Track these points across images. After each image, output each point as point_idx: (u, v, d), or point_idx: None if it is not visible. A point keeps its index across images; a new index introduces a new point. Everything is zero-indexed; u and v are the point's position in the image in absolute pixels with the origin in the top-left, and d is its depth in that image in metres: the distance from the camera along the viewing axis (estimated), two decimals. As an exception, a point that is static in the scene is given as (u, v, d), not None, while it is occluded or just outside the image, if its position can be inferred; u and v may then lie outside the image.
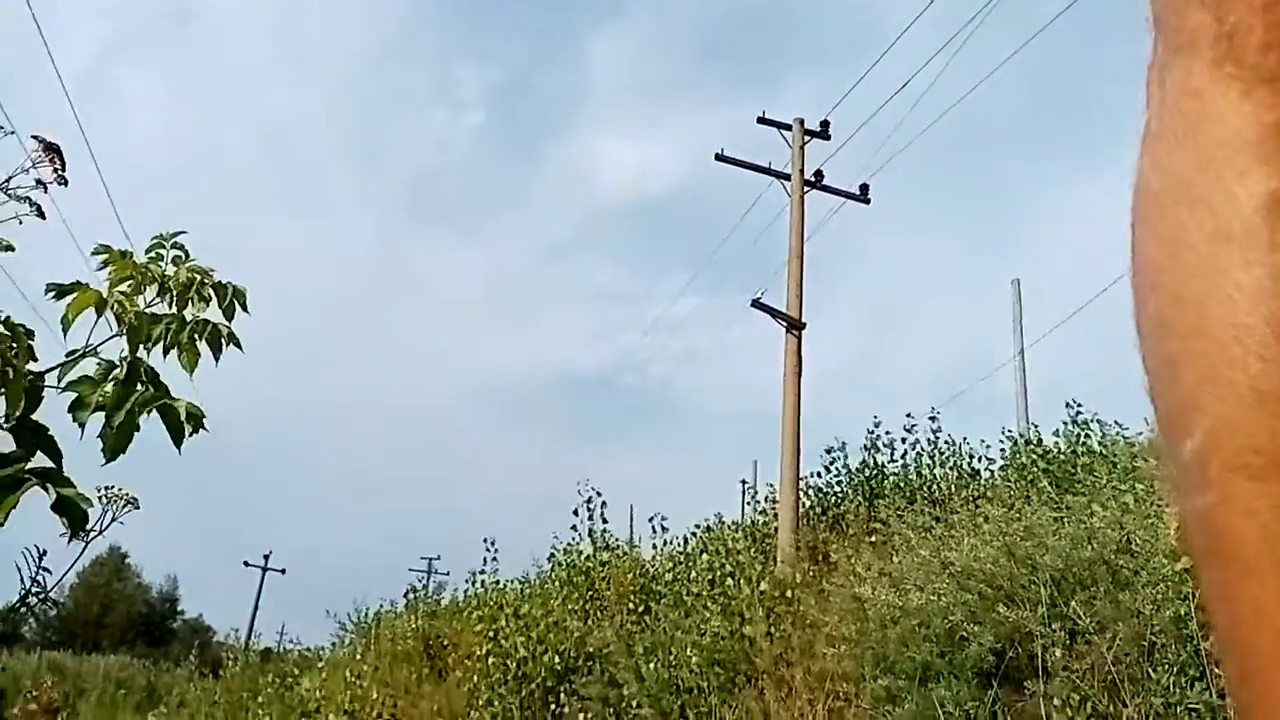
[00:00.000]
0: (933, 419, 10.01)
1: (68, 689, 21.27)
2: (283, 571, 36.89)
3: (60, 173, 1.55)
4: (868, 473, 10.15)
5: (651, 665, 7.54)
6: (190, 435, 1.53)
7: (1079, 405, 9.39)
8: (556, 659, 8.46)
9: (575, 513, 11.06)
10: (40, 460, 1.50)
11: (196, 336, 1.62)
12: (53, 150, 1.56)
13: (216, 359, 1.65)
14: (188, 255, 1.68)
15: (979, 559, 5.55)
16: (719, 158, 12.21)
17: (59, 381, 1.51)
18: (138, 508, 1.46)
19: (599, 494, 11.03)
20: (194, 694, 15.03)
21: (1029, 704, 4.83)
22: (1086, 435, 9.01)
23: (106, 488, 1.44)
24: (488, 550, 11.64)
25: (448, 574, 27.96)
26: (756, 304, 10.86)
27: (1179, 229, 0.43)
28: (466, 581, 11.90)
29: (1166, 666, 4.45)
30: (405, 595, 13.69)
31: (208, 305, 1.67)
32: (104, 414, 1.48)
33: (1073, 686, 4.57)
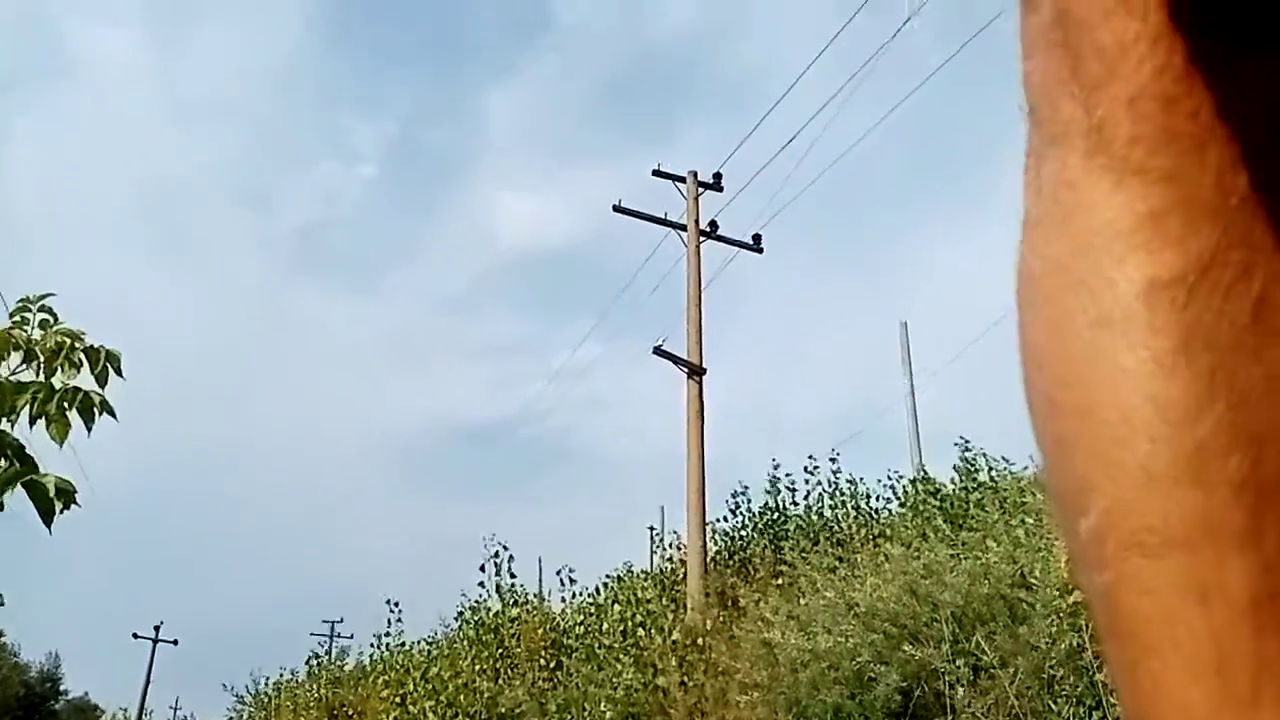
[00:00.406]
0: (833, 460, 10.18)
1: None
2: (175, 643, 35.26)
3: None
4: (771, 516, 10.24)
5: (564, 723, 7.41)
6: (61, 512, 1.44)
7: (967, 442, 9.68)
8: (466, 723, 8.22)
9: (482, 568, 10.85)
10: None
11: (66, 406, 1.53)
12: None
13: (89, 429, 1.57)
14: (56, 319, 1.60)
15: (882, 599, 5.64)
16: (617, 209, 12.42)
17: (-89, 460, 1.41)
18: (2, 604, 1.36)
19: (505, 548, 10.85)
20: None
21: (937, 742, 4.89)
22: (975, 471, 9.28)
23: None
24: (391, 611, 11.31)
25: (351, 637, 26.98)
26: (658, 351, 10.99)
27: (1062, 314, 0.45)
28: (371, 645, 11.53)
29: (1065, 697, 4.57)
30: (307, 662, 13.17)
31: (79, 371, 1.59)
32: (-39, 492, 1.39)
33: (978, 722, 4.65)
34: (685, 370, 10.89)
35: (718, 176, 12.34)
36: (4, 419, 1.50)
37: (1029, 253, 0.48)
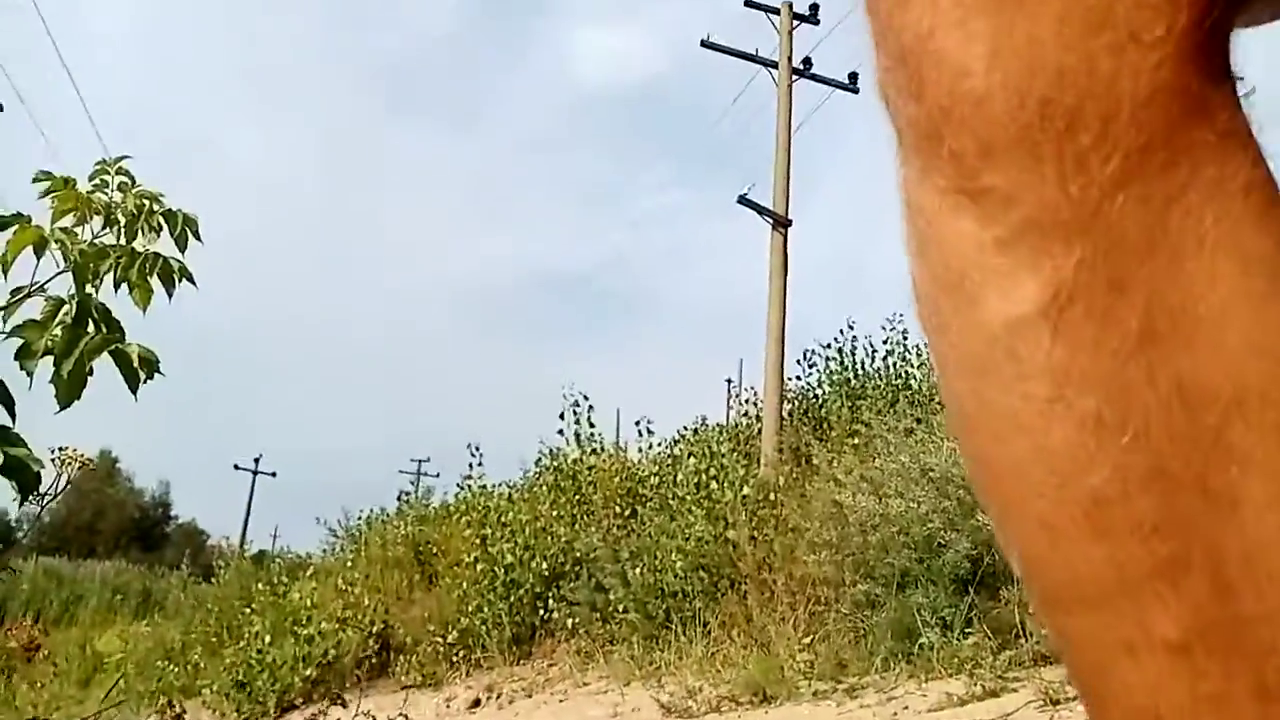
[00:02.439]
0: (901, 320, 9.98)
1: (65, 595, 21.63)
2: (273, 475, 37.28)
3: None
4: (847, 375, 10.17)
5: (637, 570, 7.68)
6: (145, 381, 1.47)
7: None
8: (544, 565, 8.59)
9: (561, 416, 11.10)
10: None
11: (148, 271, 1.54)
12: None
13: (170, 295, 1.58)
14: (134, 181, 1.60)
15: (958, 464, 5.61)
16: (704, 44, 11.87)
17: (3, 325, 1.44)
18: (93, 468, 1.41)
19: (586, 398, 11.05)
20: (189, 601, 15.31)
21: (1004, 610, 4.94)
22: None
23: (60, 448, 1.39)
24: (473, 456, 11.73)
25: (438, 475, 28.31)
26: (743, 200, 10.67)
27: (940, 358, 0.40)
28: (456, 486, 12.04)
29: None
30: (398, 499, 13.86)
31: (159, 235, 1.59)
32: (53, 360, 1.42)
33: (1048, 590, 4.66)
34: (770, 221, 10.59)
35: (814, 8, 11.54)
36: (88, 284, 1.52)
37: (912, 279, 0.42)
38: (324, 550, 14.49)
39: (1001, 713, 4.21)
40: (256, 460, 36.62)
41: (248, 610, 11.44)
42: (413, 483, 19.13)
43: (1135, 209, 0.34)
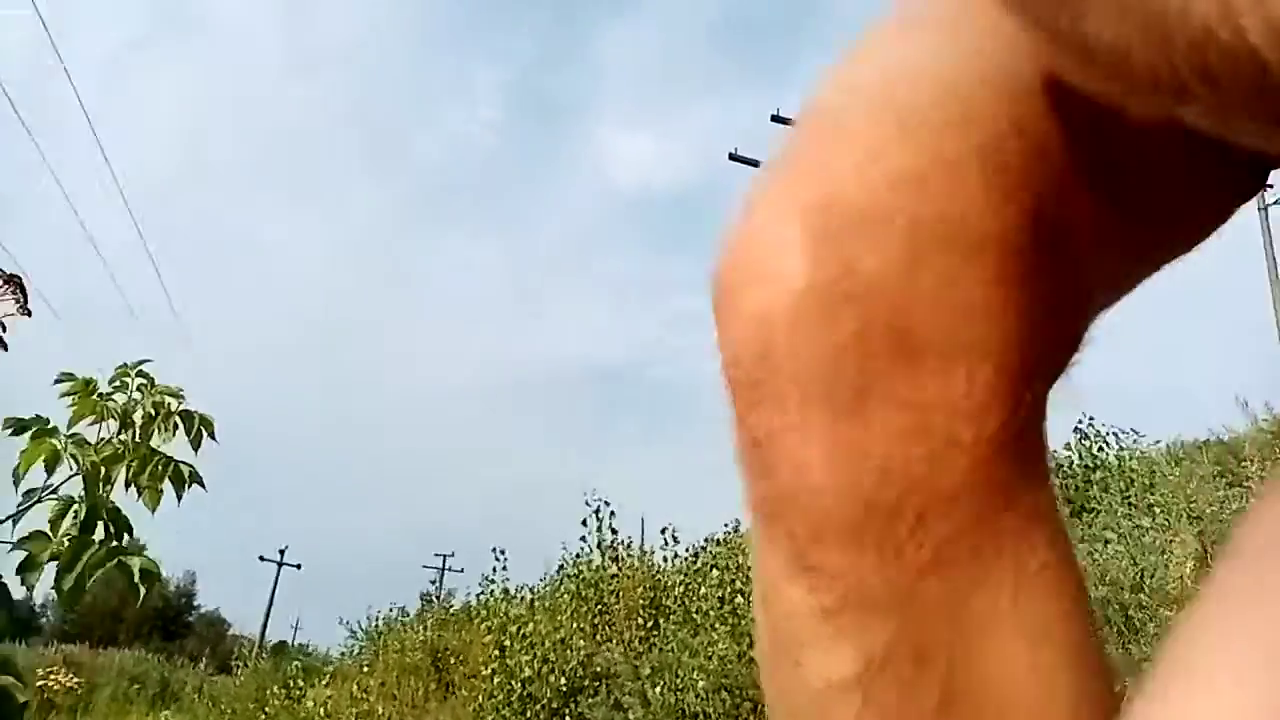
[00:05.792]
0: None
1: (81, 681, 21.45)
2: (298, 567, 37.15)
3: (22, 305, 1.49)
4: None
5: (658, 689, 7.49)
6: (145, 592, 1.47)
7: (1090, 417, 9.14)
8: (563, 680, 8.41)
9: (584, 523, 11.00)
10: None
11: (159, 474, 1.56)
12: (14, 283, 1.50)
13: (179, 497, 1.60)
14: (153, 383, 1.63)
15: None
16: (732, 157, 12.14)
17: (12, 534, 1.46)
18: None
19: (607, 504, 10.95)
20: (204, 696, 15.13)
21: None
22: (1101, 448, 8.76)
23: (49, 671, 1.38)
24: (497, 560, 11.63)
25: (462, 571, 27.94)
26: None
27: (771, 704, 0.43)
28: (479, 587, 11.91)
29: None
30: (421, 600, 13.74)
31: (174, 435, 1.61)
32: (56, 569, 1.43)
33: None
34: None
35: (840, 122, 11.92)
36: (101, 486, 1.53)
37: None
38: (343, 652, 14.30)
39: None
40: (282, 552, 36.57)
41: (262, 716, 11.27)
42: (434, 582, 18.98)
43: (943, 591, 0.38)
